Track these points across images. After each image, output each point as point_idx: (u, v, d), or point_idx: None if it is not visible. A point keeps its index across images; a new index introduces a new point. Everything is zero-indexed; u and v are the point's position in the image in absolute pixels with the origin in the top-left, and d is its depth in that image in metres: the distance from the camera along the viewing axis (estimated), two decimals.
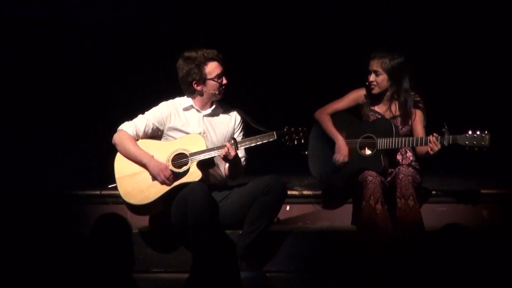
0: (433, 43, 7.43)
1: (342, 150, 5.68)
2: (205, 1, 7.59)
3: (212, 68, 5.48)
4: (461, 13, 7.38)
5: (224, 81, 5.50)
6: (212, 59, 5.47)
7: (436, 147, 5.38)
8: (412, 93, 5.68)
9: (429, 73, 6.98)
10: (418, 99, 5.70)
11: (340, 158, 5.67)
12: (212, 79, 5.48)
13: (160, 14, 7.58)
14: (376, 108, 5.75)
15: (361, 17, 7.49)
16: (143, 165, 5.40)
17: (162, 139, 5.54)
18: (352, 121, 5.77)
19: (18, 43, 7.54)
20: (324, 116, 5.79)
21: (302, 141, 5.39)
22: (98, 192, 5.86)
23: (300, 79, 7.64)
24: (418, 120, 5.68)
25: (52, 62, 7.55)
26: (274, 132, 5.37)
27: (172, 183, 5.36)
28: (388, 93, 5.71)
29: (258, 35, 7.58)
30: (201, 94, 5.54)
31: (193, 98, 5.58)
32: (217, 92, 5.52)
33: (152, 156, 5.40)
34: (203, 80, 5.49)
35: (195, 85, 5.51)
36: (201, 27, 7.44)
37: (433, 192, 5.87)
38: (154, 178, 5.38)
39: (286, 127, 5.39)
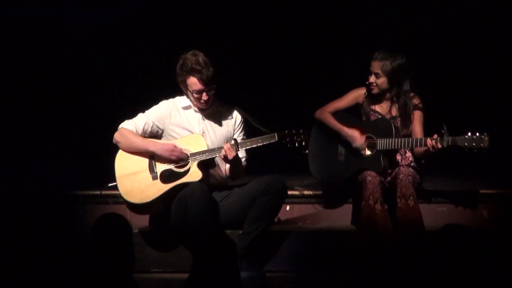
0: (433, 44, 7.43)
1: (355, 135, 5.66)
2: (207, 1, 7.59)
3: (192, 83, 5.42)
4: (461, 14, 7.38)
5: (204, 97, 5.44)
6: (193, 75, 5.40)
7: (436, 147, 5.39)
8: (412, 94, 5.68)
9: (429, 75, 6.98)
10: (418, 101, 5.69)
11: (359, 142, 5.65)
12: (190, 91, 5.47)
13: (161, 14, 7.58)
14: (377, 108, 5.75)
15: (361, 17, 7.49)
16: (150, 154, 5.40)
17: (162, 139, 5.54)
18: (352, 121, 5.77)
19: (18, 43, 7.54)
20: (325, 113, 5.79)
21: (303, 143, 5.38)
22: (98, 192, 5.86)
23: (300, 79, 7.64)
24: (417, 121, 5.68)
25: (51, 62, 7.55)
26: (275, 134, 5.36)
27: (187, 157, 5.36)
28: (388, 94, 5.72)
29: (258, 36, 7.58)
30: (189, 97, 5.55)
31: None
32: (196, 103, 5.52)
33: (157, 141, 5.40)
34: (185, 87, 5.49)
35: (182, 87, 5.51)
36: (203, 27, 7.44)
37: (433, 192, 5.87)
38: (155, 177, 5.38)
39: (287, 129, 5.38)
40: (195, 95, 5.45)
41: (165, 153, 5.40)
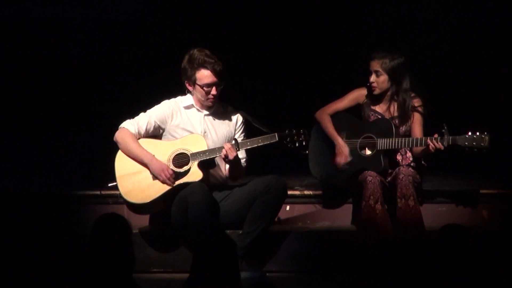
0: (433, 43, 7.42)
1: (343, 152, 5.67)
2: (209, 2, 7.59)
3: (203, 76, 5.43)
4: (461, 13, 7.38)
5: (214, 92, 5.45)
6: (205, 67, 5.41)
7: (437, 147, 5.39)
8: (412, 95, 5.68)
9: (429, 74, 6.98)
10: (419, 103, 5.69)
11: (342, 160, 5.67)
12: (200, 85, 5.46)
13: (163, 13, 7.58)
14: (377, 108, 5.76)
15: (361, 17, 7.49)
16: (144, 165, 5.41)
17: (163, 138, 5.54)
18: (353, 121, 5.77)
19: (19, 43, 7.54)
20: (325, 116, 5.79)
21: (304, 143, 5.37)
22: (98, 192, 5.86)
23: (301, 79, 7.64)
24: (417, 123, 5.68)
25: (52, 61, 7.55)
26: (276, 134, 5.35)
27: (173, 182, 5.36)
28: (388, 93, 5.72)
29: (259, 36, 7.58)
30: (194, 94, 5.54)
31: (193, 96, 5.57)
32: (203, 99, 5.50)
33: (153, 156, 5.40)
34: (193, 82, 5.48)
35: (187, 84, 5.51)
36: (204, 27, 7.44)
37: (433, 192, 5.87)
38: (155, 177, 5.38)
39: (288, 128, 5.37)
40: (206, 89, 5.43)
41: (156, 171, 5.36)
